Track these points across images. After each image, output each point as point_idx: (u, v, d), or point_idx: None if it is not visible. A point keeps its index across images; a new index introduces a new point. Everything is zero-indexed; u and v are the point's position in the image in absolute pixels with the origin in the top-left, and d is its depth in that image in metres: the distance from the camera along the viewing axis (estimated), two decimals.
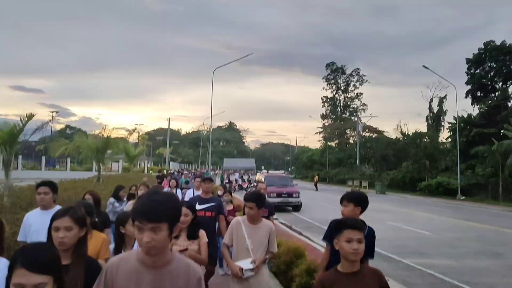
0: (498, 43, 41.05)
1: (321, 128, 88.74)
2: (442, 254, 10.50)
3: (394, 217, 18.12)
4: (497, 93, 41.33)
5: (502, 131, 34.60)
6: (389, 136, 62.81)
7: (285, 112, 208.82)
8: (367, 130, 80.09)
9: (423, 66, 34.82)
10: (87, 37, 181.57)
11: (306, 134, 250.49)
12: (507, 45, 40.28)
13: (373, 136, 71.27)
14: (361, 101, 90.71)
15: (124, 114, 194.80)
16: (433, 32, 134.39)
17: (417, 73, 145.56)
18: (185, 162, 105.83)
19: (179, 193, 10.71)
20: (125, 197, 7.73)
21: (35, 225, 3.92)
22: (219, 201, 6.16)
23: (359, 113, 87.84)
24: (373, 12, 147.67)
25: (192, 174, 24.26)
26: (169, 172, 34.52)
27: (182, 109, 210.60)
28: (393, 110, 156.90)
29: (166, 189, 11.26)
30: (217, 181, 32.51)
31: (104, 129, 22.77)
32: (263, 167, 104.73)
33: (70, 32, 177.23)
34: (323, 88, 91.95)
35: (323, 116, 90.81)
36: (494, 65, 41.47)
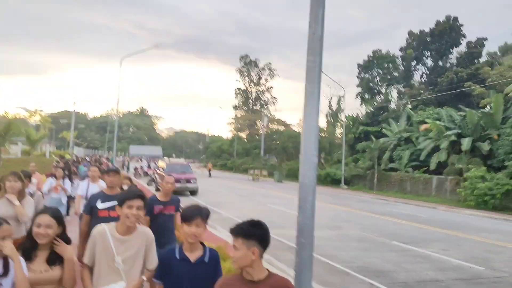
0: (384, 51, 46.77)
1: (233, 118, 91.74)
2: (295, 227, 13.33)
3: (276, 201, 21.06)
4: (381, 96, 47.13)
5: (382, 130, 39.95)
6: (295, 130, 67.54)
7: (201, 100, 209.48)
8: (275, 123, 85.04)
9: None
10: None
11: (220, 123, 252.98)
12: (391, 55, 46.12)
13: (279, 129, 75.97)
14: (271, 95, 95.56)
15: (23, 92, 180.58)
16: (341, 31, 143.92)
17: (326, 70, 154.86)
18: (91, 148, 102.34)
19: (82, 184, 7.75)
20: None
21: None
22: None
23: (269, 106, 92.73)
24: (289, 6, 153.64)
25: (87, 161, 22.36)
26: (75, 157, 34.22)
27: (89, 91, 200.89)
28: (301, 104, 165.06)
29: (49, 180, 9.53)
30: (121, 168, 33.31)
31: (6, 113, 22.75)
32: (174, 155, 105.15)
33: None
34: (236, 80, 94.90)
35: (235, 107, 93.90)
36: (380, 72, 47.18)
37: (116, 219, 3.35)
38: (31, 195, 5.33)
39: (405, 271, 8.57)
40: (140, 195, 3.03)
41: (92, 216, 4.65)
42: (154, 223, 5.02)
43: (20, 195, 4.67)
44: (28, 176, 6.22)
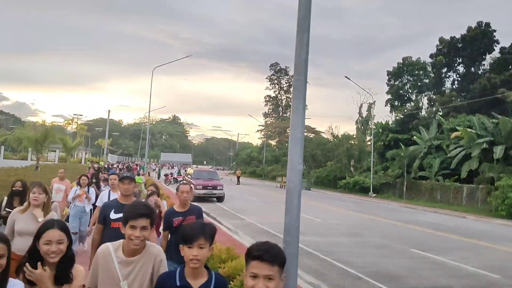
0: (415, 58, 46.25)
1: (263, 126, 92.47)
2: (317, 234, 13.58)
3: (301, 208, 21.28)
4: (411, 103, 46.50)
5: (412, 137, 39.42)
6: (324, 137, 67.37)
7: (232, 107, 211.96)
8: (306, 130, 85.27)
9: (345, 77, 38.88)
10: (23, 17, 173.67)
11: (251, 130, 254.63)
12: (422, 62, 45.53)
13: (308, 136, 76.01)
14: None
15: (62, 101, 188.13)
16: (375, 37, 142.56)
17: (358, 76, 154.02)
18: (125, 155, 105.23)
19: (103, 194, 7.38)
20: None
21: None
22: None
23: None
24: (320, 14, 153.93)
25: (116, 168, 21.61)
26: (106, 164, 35.53)
27: (124, 99, 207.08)
28: (333, 111, 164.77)
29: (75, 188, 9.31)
30: (152, 175, 34.34)
31: (44, 121, 24.11)
32: (205, 162, 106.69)
33: (5, 10, 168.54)
34: (267, 88, 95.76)
35: (265, 115, 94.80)
36: (410, 79, 46.62)
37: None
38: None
39: (418, 277, 8.70)
40: (144, 213, 2.58)
41: (105, 226, 4.31)
42: (175, 237, 4.62)
43: (45, 209, 4.39)
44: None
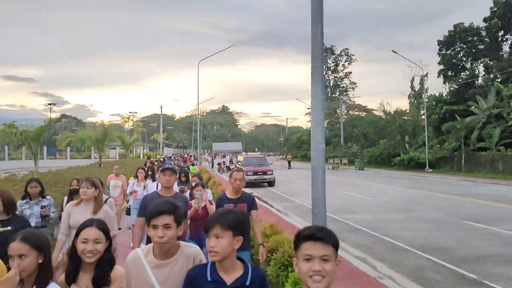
0: (467, 25, 43.90)
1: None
2: (367, 212, 13.73)
3: (352, 188, 21.34)
4: (466, 72, 44.33)
5: (469, 108, 37.74)
6: (376, 114, 65.87)
7: (279, 92, 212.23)
8: (356, 109, 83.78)
9: (392, 51, 37.76)
10: (77, 23, 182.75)
11: (300, 114, 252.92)
12: (475, 27, 43.13)
13: (360, 115, 74.66)
14: (350, 80, 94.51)
15: (117, 100, 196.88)
16: (424, 7, 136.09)
17: (408, 49, 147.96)
18: (180, 147, 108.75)
19: (151, 186, 7.99)
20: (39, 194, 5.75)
21: None
22: (184, 200, 4.65)
23: (348, 92, 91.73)
24: None
25: (171, 160, 20.90)
26: (162, 157, 37.13)
27: (175, 94, 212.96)
28: (383, 87, 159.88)
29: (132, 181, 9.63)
30: (204, 164, 35.43)
31: (102, 122, 25.80)
32: (256, 149, 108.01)
33: (59, 19, 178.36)
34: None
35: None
36: (464, 46, 44.36)
37: None
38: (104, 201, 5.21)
39: (468, 247, 8.71)
40: (164, 210, 2.33)
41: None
42: None
43: (97, 203, 4.44)
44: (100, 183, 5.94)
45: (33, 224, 5.36)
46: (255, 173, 23.47)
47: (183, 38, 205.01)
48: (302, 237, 1.82)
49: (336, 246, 1.82)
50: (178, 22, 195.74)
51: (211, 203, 5.81)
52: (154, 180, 10.57)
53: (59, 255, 4.37)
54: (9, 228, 4.06)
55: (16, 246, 2.23)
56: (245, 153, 61.14)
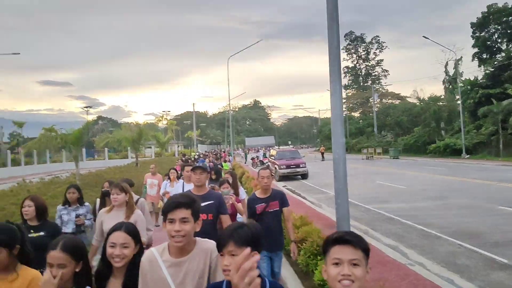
0: (500, 5, 42.31)
1: (344, 98, 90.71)
2: (400, 201, 13.74)
3: (386, 177, 21.24)
4: (502, 54, 42.76)
5: (506, 90, 36.46)
6: (410, 101, 64.51)
7: (310, 84, 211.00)
8: (389, 97, 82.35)
9: (424, 36, 36.93)
10: (109, 26, 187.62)
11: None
12: (510, 7, 41.50)
13: (393, 103, 73.38)
14: (382, 68, 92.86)
15: (151, 100, 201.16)
16: None
17: (440, 33, 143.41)
18: (214, 143, 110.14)
19: (177, 185, 7.87)
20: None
21: None
22: (218, 197, 4.44)
23: (381, 80, 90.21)
24: None
25: (181, 160, 20.16)
26: (197, 155, 37.83)
27: (207, 91, 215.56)
28: (416, 73, 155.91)
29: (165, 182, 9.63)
30: (238, 159, 35.83)
31: (137, 122, 26.74)
32: (290, 142, 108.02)
33: (92, 23, 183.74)
34: (344, 59, 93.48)
35: (345, 87, 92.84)
36: (498, 27, 42.81)
37: (207, 222, 3.43)
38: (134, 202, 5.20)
39: (501, 232, 8.68)
40: (181, 203, 2.26)
41: None
42: (260, 224, 4.31)
43: (129, 207, 4.40)
44: (131, 185, 5.80)
45: (70, 230, 5.49)
46: (288, 166, 23.74)
47: (212, 35, 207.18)
48: (330, 241, 1.79)
49: (366, 252, 1.76)
50: (207, 19, 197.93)
51: (238, 201, 5.74)
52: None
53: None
54: (41, 233, 4.11)
55: (56, 255, 2.23)
56: (277, 146, 61.38)
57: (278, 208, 4.77)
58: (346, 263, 1.69)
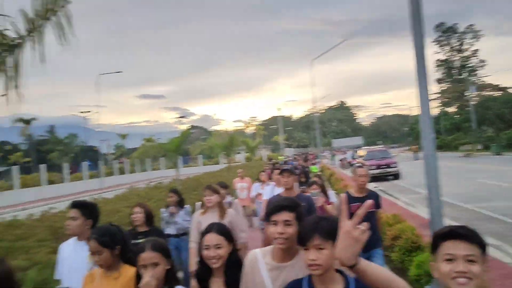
0: None
1: (438, 93, 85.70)
2: (503, 199, 12.81)
3: (488, 175, 19.78)
4: None
5: None
6: None
7: (398, 80, 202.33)
8: (488, 89, 76.05)
9: None
10: (197, 40, 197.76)
11: None
12: None
13: (492, 95, 67.62)
14: (478, 58, 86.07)
15: (238, 107, 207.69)
16: None
17: None
18: (301, 146, 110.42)
19: (267, 188, 7.48)
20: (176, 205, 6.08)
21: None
22: (308, 199, 4.55)
23: (477, 72, 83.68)
24: None
25: (271, 164, 19.65)
26: (286, 159, 38.25)
27: (291, 94, 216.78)
28: None
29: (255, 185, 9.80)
30: (326, 161, 35.59)
31: (227, 129, 28.09)
32: (379, 142, 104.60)
33: (181, 38, 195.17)
34: (435, 52, 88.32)
35: (438, 81, 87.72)
36: None
37: None
38: (229, 204, 5.42)
39: None
40: (284, 205, 2.26)
41: None
42: None
43: (220, 208, 4.57)
44: (224, 187, 5.99)
45: (173, 232, 5.79)
46: (378, 167, 23.19)
47: (295, 39, 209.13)
48: (441, 235, 1.68)
49: (483, 248, 1.64)
50: (289, 23, 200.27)
51: (328, 203, 5.74)
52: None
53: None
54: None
55: (148, 256, 2.34)
56: (366, 147, 59.99)
57: (373, 209, 4.65)
58: (461, 259, 1.58)
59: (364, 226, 1.62)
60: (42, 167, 34.26)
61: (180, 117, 63.54)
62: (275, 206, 2.27)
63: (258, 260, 2.31)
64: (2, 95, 5.27)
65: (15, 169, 31.52)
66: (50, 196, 28.04)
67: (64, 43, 4.60)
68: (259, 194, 8.83)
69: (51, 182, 34.49)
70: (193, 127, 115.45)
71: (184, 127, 76.24)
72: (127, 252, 2.76)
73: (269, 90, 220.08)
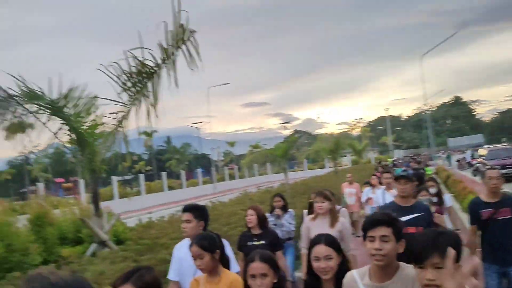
0: None
1: None
2: None
3: None
4: None
5: None
6: None
7: None
8: None
9: None
10: (297, 45, 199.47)
11: None
12: None
13: None
14: None
15: (342, 109, 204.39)
16: None
17: None
18: (411, 147, 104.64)
19: (378, 193, 7.50)
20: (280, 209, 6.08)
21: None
22: (427, 208, 4.14)
23: None
24: None
25: (379, 166, 18.59)
26: (395, 161, 36.63)
27: (399, 93, 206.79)
28: None
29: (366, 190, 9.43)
30: (440, 162, 33.32)
31: (332, 133, 28.06)
32: (503, 140, 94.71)
33: (280, 45, 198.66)
34: None
35: None
36: None
37: (412, 236, 2.94)
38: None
39: None
40: (381, 220, 2.19)
41: None
42: (486, 233, 4.12)
43: (332, 216, 4.46)
44: (332, 194, 5.52)
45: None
46: (504, 167, 21.07)
47: (400, 34, 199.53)
48: None
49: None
50: (393, 18, 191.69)
51: (440, 212, 5.26)
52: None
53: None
54: (262, 242, 4.41)
55: (258, 266, 2.40)
56: (487, 145, 54.84)
57: (510, 216, 4.05)
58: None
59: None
60: (164, 174, 37.59)
61: (284, 123, 64.71)
62: (371, 221, 2.23)
63: (357, 281, 2.24)
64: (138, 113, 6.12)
65: (141, 177, 35.05)
66: (171, 201, 30.64)
67: (193, 68, 5.27)
68: (370, 199, 8.60)
69: (170, 188, 37.72)
70: (296, 131, 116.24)
71: (287, 132, 77.52)
72: (226, 258, 2.93)
73: (374, 89, 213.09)
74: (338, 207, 5.51)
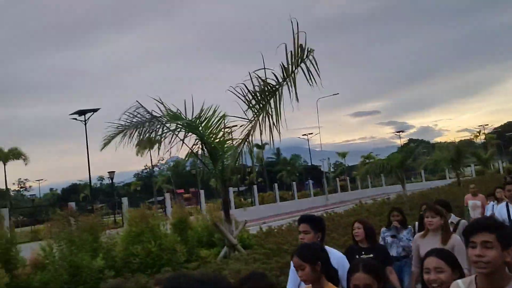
0: None
1: None
2: None
3: None
4: None
5: None
6: None
7: None
8: None
9: None
10: (408, 50, 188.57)
11: None
12: None
13: None
14: None
15: (462, 115, 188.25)
16: None
17: None
18: None
19: (500, 207, 6.41)
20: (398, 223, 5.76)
21: None
22: None
23: None
24: None
25: (509, 176, 16.25)
26: None
27: None
28: None
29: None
30: None
31: (452, 141, 26.28)
32: None
33: (390, 51, 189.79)
34: None
35: None
36: None
37: None
38: (455, 225, 5.02)
39: None
40: (483, 226, 2.09)
41: None
42: None
43: (444, 232, 4.18)
44: (445, 205, 5.38)
45: (394, 253, 5.40)
46: None
47: None
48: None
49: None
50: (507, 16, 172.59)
51: None
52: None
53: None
54: (371, 255, 4.28)
55: (361, 277, 2.41)
56: None
57: None
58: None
59: None
60: (276, 186, 38.63)
61: (398, 131, 61.89)
62: (473, 226, 2.13)
63: None
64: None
65: (255, 188, 36.50)
66: (282, 212, 31.35)
67: (312, 84, 5.66)
68: (493, 214, 7.62)
69: (282, 199, 38.56)
70: (411, 140, 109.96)
71: (401, 141, 73.97)
72: (329, 270, 2.83)
73: (498, 92, 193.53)
74: (456, 218, 5.23)
